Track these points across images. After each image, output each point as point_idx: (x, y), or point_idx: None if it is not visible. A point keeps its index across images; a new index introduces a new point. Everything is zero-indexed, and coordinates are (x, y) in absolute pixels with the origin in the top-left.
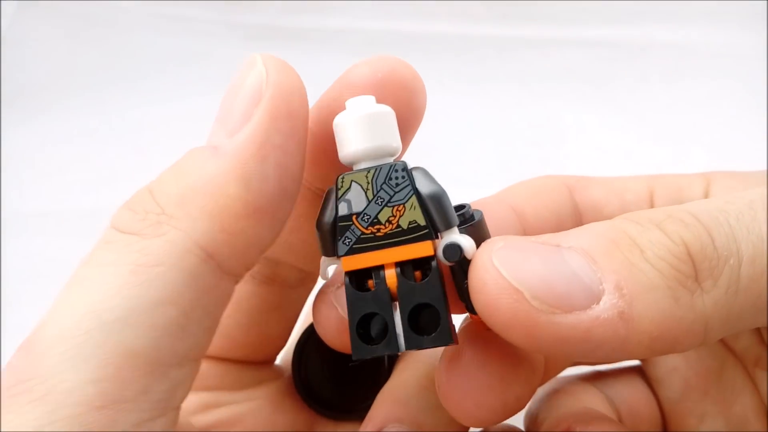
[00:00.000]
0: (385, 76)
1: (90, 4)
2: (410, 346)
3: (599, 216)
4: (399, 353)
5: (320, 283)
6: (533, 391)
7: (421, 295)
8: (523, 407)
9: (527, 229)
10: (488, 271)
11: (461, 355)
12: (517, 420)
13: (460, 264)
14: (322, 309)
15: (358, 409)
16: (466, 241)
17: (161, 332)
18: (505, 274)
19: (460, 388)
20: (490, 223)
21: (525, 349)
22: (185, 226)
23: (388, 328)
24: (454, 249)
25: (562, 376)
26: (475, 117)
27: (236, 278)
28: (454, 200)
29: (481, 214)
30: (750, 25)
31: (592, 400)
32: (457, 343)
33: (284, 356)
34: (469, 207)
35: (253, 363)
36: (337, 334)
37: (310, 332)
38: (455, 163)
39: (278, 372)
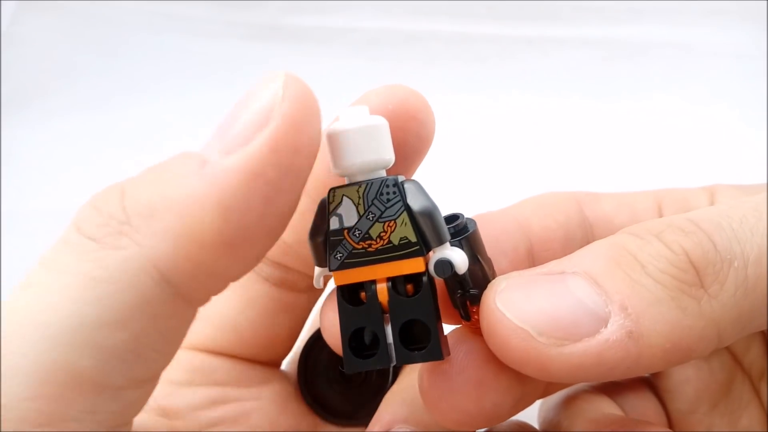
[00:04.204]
0: (396, 106)
1: (90, 4)
2: (400, 360)
3: (610, 227)
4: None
5: (328, 289)
6: (518, 402)
7: (412, 311)
8: (506, 416)
9: (534, 241)
10: (495, 315)
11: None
12: (530, 418)
13: (454, 275)
14: (329, 314)
15: (363, 415)
16: (457, 257)
17: (109, 355)
18: (510, 316)
19: (438, 390)
20: (496, 237)
21: (547, 381)
22: (147, 243)
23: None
24: (444, 265)
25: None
26: (475, 117)
27: (198, 303)
28: (454, 202)
29: (475, 225)
30: (750, 25)
31: (608, 408)
32: (446, 356)
33: (290, 362)
34: (463, 217)
35: (260, 362)
36: None
37: (316, 337)
38: (455, 163)
39: (284, 376)
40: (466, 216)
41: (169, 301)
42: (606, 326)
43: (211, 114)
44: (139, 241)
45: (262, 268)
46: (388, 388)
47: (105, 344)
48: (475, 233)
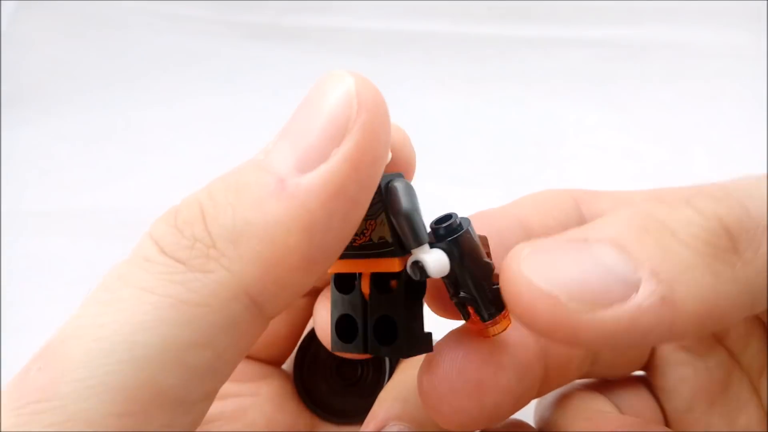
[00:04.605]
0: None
1: (90, 4)
2: (371, 351)
3: None
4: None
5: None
6: (517, 401)
7: (386, 307)
8: (505, 416)
9: (532, 237)
10: (520, 281)
11: (441, 359)
12: (527, 416)
13: (447, 277)
14: (321, 312)
15: (359, 413)
16: (430, 259)
17: (193, 373)
18: (537, 281)
19: (438, 391)
20: (498, 234)
21: (575, 349)
22: (236, 268)
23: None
24: (415, 268)
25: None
26: (475, 117)
27: (272, 318)
28: (454, 201)
29: (469, 223)
30: (750, 25)
31: (604, 406)
32: (415, 355)
33: (289, 362)
34: (456, 217)
35: (259, 359)
36: None
37: (312, 336)
38: (456, 163)
39: (282, 374)
40: (461, 216)
41: (253, 319)
42: (637, 292)
43: (211, 113)
44: (227, 265)
45: None
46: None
47: (191, 364)
48: (466, 235)
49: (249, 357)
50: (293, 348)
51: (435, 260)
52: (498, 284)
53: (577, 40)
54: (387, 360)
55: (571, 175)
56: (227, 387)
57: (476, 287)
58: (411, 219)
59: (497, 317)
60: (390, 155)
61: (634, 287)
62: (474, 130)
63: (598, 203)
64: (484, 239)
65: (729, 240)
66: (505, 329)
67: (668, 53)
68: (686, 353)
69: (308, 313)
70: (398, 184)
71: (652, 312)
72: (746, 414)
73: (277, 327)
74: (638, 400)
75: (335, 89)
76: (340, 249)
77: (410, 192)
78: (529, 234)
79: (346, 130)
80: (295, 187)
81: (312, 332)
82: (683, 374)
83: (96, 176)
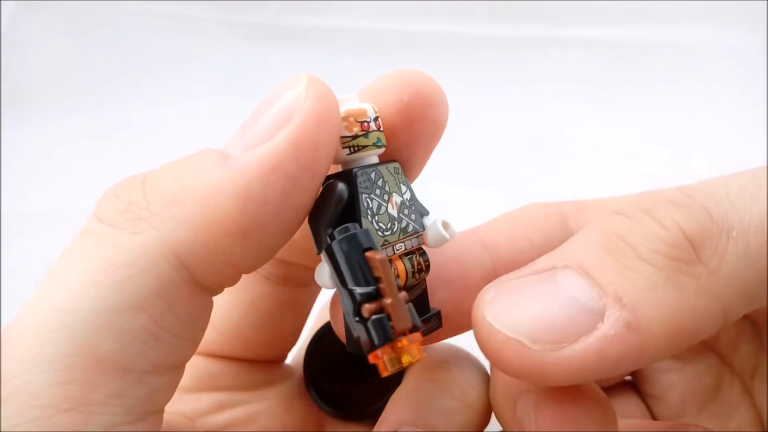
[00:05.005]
0: (412, 95)
1: (90, 4)
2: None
3: None
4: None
5: None
6: None
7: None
8: None
9: (499, 264)
10: (484, 327)
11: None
12: None
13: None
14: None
15: (369, 412)
16: (318, 268)
17: (130, 338)
18: (499, 327)
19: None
20: (452, 259)
21: (551, 386)
22: (166, 229)
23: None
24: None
25: None
26: (475, 117)
27: (211, 293)
28: (454, 201)
29: (349, 238)
30: (750, 25)
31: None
32: (424, 336)
33: (295, 357)
34: (350, 230)
35: (265, 362)
36: None
37: (322, 333)
38: (456, 163)
39: (289, 372)
40: (361, 229)
41: (185, 285)
42: (603, 321)
43: (211, 113)
44: (157, 225)
45: (264, 266)
46: (395, 386)
47: (125, 327)
48: (345, 240)
49: (255, 361)
50: (295, 342)
51: (318, 269)
52: (383, 313)
53: (577, 40)
54: None
55: (571, 175)
56: (235, 396)
57: (345, 306)
58: (311, 225)
59: (375, 349)
60: (374, 117)
61: (600, 315)
62: (474, 130)
63: (585, 216)
64: (377, 261)
65: (692, 250)
66: (384, 367)
67: (668, 53)
68: (673, 360)
69: (309, 305)
70: (325, 188)
71: (618, 340)
72: (738, 415)
73: (280, 326)
74: (628, 406)
75: (288, 86)
76: (280, 227)
77: (329, 198)
78: (492, 259)
79: (292, 116)
80: (236, 159)
81: (322, 330)
82: (671, 380)
83: (96, 176)
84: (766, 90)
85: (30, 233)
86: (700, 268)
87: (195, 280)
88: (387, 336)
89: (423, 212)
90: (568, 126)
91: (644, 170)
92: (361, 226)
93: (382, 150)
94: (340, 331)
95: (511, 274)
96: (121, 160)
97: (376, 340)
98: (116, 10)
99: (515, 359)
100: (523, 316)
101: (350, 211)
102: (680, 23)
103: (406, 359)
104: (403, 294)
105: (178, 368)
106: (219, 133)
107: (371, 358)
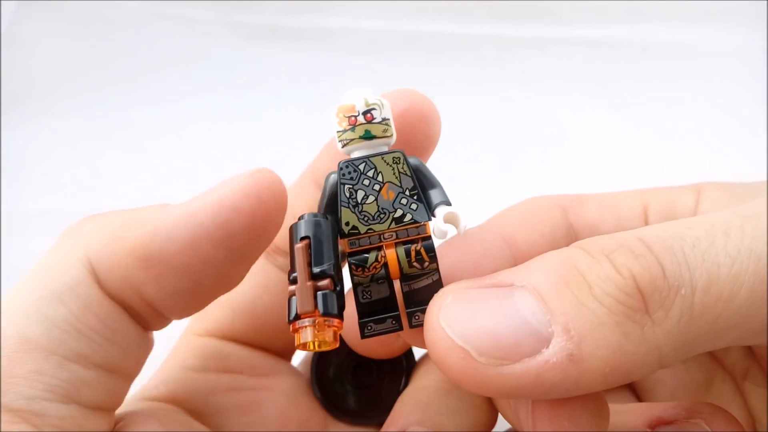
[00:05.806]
0: (406, 108)
1: (90, 4)
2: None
3: (596, 234)
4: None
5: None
6: None
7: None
8: None
9: (519, 257)
10: (436, 331)
11: None
12: None
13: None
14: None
15: (374, 414)
16: None
17: (51, 324)
18: (451, 333)
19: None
20: (480, 255)
21: (487, 396)
22: (88, 238)
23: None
24: None
25: None
26: (475, 117)
27: (120, 303)
28: (453, 200)
29: (304, 224)
30: (750, 25)
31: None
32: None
33: (303, 362)
34: (308, 216)
35: (273, 352)
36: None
37: None
38: (456, 163)
39: (296, 372)
40: (309, 216)
41: (94, 287)
42: (548, 347)
43: (211, 113)
44: (80, 235)
45: (276, 258)
46: (402, 389)
47: (48, 315)
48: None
49: (263, 348)
50: None
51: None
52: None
53: (577, 40)
54: (404, 364)
55: (572, 174)
56: (241, 380)
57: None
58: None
59: (296, 324)
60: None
61: (546, 341)
62: (474, 130)
63: (585, 210)
64: (296, 249)
65: (642, 301)
66: (304, 346)
67: (668, 53)
68: None
69: None
70: (326, 177)
71: (558, 368)
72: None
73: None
74: (620, 400)
75: (243, 175)
76: (186, 271)
77: (325, 187)
78: (514, 251)
79: (226, 195)
80: (173, 206)
81: None
82: (660, 376)
83: (96, 176)
84: (766, 89)
85: (30, 233)
86: (646, 318)
87: (103, 286)
88: (293, 314)
89: (434, 202)
90: (568, 125)
91: (644, 169)
92: (339, 215)
93: (375, 140)
94: (347, 335)
95: (470, 282)
96: (121, 160)
97: (288, 317)
98: (116, 10)
99: (459, 367)
100: (476, 328)
101: (334, 200)
102: (680, 23)
103: (297, 339)
104: (325, 282)
105: (105, 370)
106: (219, 133)
107: (291, 329)
